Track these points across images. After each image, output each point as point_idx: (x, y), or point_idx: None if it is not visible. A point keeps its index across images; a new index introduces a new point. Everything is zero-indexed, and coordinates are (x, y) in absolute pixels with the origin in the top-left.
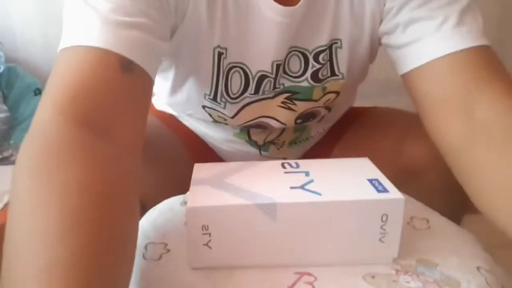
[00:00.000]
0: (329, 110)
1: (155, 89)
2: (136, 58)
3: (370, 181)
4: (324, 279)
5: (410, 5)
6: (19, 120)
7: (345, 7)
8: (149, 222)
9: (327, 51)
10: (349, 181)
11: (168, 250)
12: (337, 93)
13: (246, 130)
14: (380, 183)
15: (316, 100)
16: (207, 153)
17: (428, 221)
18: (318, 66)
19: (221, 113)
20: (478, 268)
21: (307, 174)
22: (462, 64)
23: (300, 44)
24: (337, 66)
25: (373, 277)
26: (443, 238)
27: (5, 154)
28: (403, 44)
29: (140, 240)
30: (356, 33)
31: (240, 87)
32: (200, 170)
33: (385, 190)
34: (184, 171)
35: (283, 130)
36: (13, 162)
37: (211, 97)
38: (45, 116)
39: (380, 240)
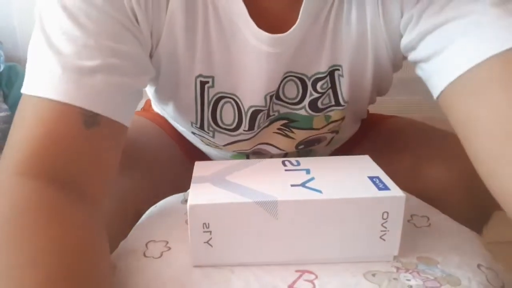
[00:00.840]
0: (337, 133)
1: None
2: (102, 110)
3: (371, 178)
4: (325, 277)
5: (431, 9)
6: None
7: (343, 30)
8: (149, 220)
9: (327, 78)
10: (349, 178)
11: (169, 248)
12: (342, 119)
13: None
14: (381, 181)
15: (317, 129)
16: (204, 156)
17: (428, 218)
18: (316, 95)
19: (212, 141)
20: (478, 266)
21: (307, 171)
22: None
23: (296, 69)
24: (341, 95)
25: (373, 274)
26: (444, 235)
27: None
28: (429, 56)
29: (141, 238)
30: (355, 61)
31: (234, 121)
32: (201, 168)
33: (385, 188)
34: (180, 173)
35: (285, 154)
36: None
37: (198, 125)
38: (5, 177)
39: (381, 237)
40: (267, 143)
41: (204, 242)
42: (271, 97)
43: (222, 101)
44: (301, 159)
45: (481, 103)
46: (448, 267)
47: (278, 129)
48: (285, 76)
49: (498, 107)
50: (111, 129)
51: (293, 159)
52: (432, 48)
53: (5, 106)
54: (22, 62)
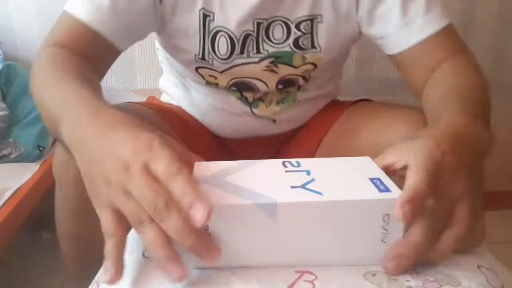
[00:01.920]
0: (306, 80)
1: (162, 86)
2: (103, 31)
3: (372, 180)
4: (325, 278)
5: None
6: (18, 118)
7: None
8: None
9: (308, 22)
10: (350, 180)
11: None
12: (315, 65)
13: (238, 92)
14: (382, 182)
15: (295, 67)
16: (196, 133)
17: None
18: (299, 34)
19: (212, 70)
20: (478, 267)
21: (308, 173)
22: (435, 45)
23: (282, 13)
24: (317, 39)
25: (373, 275)
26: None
27: (4, 152)
28: (384, 35)
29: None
30: (334, 14)
31: (227, 50)
32: (200, 169)
33: (387, 190)
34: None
35: (267, 93)
36: (12, 160)
37: (200, 56)
38: (45, 48)
39: (382, 240)
40: (256, 78)
41: None
42: (258, 24)
43: (219, 34)
44: (302, 160)
45: (414, 62)
46: (448, 268)
47: (266, 66)
48: (273, 19)
49: (421, 61)
50: (108, 44)
51: (293, 160)
52: (379, 33)
53: (3, 105)
54: (21, 61)
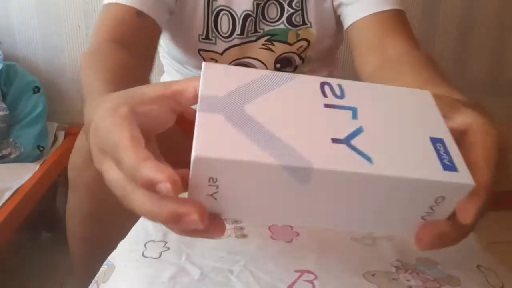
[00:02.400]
0: (303, 61)
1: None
2: (146, 10)
3: (434, 143)
4: (325, 278)
5: None
6: (18, 118)
7: None
8: (149, 221)
9: None
10: (408, 139)
11: (168, 248)
12: (308, 42)
13: None
14: (445, 149)
15: (291, 44)
16: None
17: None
18: (291, 10)
19: (213, 51)
20: (478, 267)
21: (354, 113)
22: (381, 21)
23: None
24: (306, 15)
25: (373, 275)
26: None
27: (4, 152)
28: (340, 6)
29: (140, 238)
30: None
31: (228, 28)
32: (212, 79)
33: (452, 166)
34: (182, 148)
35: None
36: (12, 160)
37: (204, 36)
38: (93, 42)
39: (422, 217)
40: (252, 57)
41: (208, 195)
42: (257, 5)
43: (221, 13)
44: (346, 86)
45: (362, 35)
46: (448, 267)
47: (263, 44)
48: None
49: (370, 35)
50: (151, 23)
51: (335, 83)
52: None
53: (3, 105)
54: (21, 61)
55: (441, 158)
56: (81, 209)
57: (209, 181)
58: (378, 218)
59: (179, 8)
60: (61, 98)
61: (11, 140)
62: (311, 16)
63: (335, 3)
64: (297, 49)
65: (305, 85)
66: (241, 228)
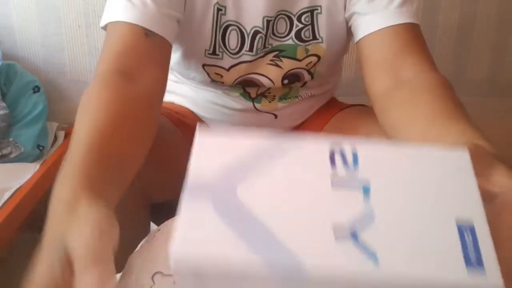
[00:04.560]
0: (312, 77)
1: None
2: (155, 29)
3: (460, 230)
4: None
5: None
6: (18, 117)
7: None
8: (154, 248)
9: (309, 13)
10: (429, 230)
11: None
12: (318, 57)
13: (241, 89)
14: (473, 240)
15: (299, 60)
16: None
17: None
18: (301, 26)
19: (218, 67)
20: None
21: (366, 192)
22: (396, 36)
23: (286, 7)
24: (317, 30)
25: None
26: None
27: (4, 151)
28: (352, 21)
29: (147, 270)
30: (332, 4)
31: (237, 44)
32: (202, 155)
33: (478, 263)
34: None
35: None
36: (12, 160)
37: (210, 51)
38: (100, 70)
39: None
40: (261, 74)
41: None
42: (268, 22)
43: (230, 28)
44: (361, 154)
45: (374, 49)
46: None
47: (271, 60)
48: (278, 13)
49: (383, 51)
50: (161, 41)
51: (348, 150)
52: (358, 12)
53: (3, 105)
54: (21, 61)
55: (465, 252)
56: None
57: (194, 278)
58: None
59: (187, 21)
60: (61, 98)
61: (11, 139)
62: (323, 31)
63: (347, 14)
64: (306, 65)
65: (311, 154)
66: None
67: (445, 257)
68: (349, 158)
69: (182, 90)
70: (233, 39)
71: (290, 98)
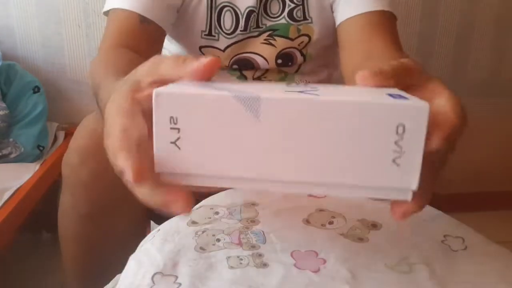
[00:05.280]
0: (304, 58)
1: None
2: (150, 16)
3: (390, 94)
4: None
5: None
6: (18, 117)
7: None
8: (154, 247)
9: None
10: (362, 92)
11: (180, 284)
12: (309, 38)
13: (238, 72)
14: (401, 96)
15: (292, 39)
16: None
17: (463, 240)
18: (292, 5)
19: (215, 48)
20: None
21: (314, 88)
22: (369, 21)
23: None
24: (308, 10)
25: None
26: (485, 261)
27: (4, 151)
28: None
29: (146, 270)
30: None
31: (232, 24)
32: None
33: (403, 98)
34: None
35: (268, 70)
36: (12, 160)
37: (207, 32)
38: (100, 51)
39: (393, 161)
40: (255, 53)
41: (171, 142)
42: (260, 1)
43: (225, 9)
44: (314, 85)
45: (352, 34)
46: None
47: (265, 39)
48: None
49: (359, 35)
50: (155, 28)
51: (301, 84)
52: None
53: (3, 105)
54: (21, 61)
55: (393, 97)
56: (77, 209)
57: (171, 122)
58: (345, 162)
59: (185, 4)
60: (61, 98)
61: (11, 139)
62: (312, 12)
63: (331, 0)
64: (298, 45)
65: (274, 83)
66: (260, 255)
67: (375, 97)
68: (302, 85)
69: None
70: (228, 20)
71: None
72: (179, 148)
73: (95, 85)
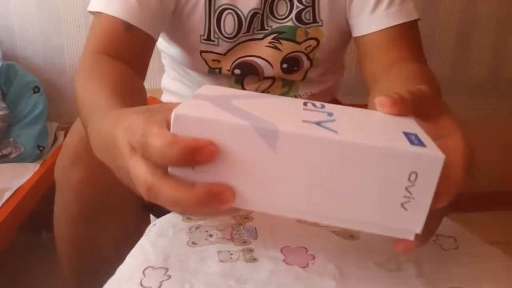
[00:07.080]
0: (311, 63)
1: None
2: (135, 22)
3: (406, 134)
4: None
5: None
6: (18, 117)
7: None
8: (149, 241)
9: None
10: (379, 129)
11: (169, 277)
12: (318, 41)
13: (240, 80)
14: (417, 138)
15: (299, 43)
16: None
17: (455, 239)
18: (301, 7)
19: (215, 53)
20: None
21: (330, 114)
22: (392, 35)
23: None
24: (318, 12)
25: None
26: (476, 261)
27: (4, 151)
28: (356, 15)
29: (139, 263)
30: None
31: (234, 29)
32: (208, 89)
33: (421, 144)
34: None
35: (273, 81)
36: (12, 160)
37: (205, 37)
38: (85, 55)
39: (402, 205)
40: (259, 57)
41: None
42: (265, 0)
43: (225, 12)
44: (329, 104)
45: (375, 51)
46: None
47: (270, 42)
48: None
49: (382, 53)
50: (141, 35)
51: (317, 102)
52: (357, 13)
53: (3, 105)
54: (21, 61)
55: (410, 140)
56: (69, 211)
57: None
58: (356, 200)
59: (179, 8)
60: (61, 98)
61: (11, 139)
62: (324, 14)
63: (347, 2)
64: (305, 49)
65: (289, 100)
66: (250, 250)
67: (395, 139)
68: (318, 105)
69: (180, 88)
70: (229, 24)
71: (290, 96)
72: (193, 169)
73: (85, 102)
